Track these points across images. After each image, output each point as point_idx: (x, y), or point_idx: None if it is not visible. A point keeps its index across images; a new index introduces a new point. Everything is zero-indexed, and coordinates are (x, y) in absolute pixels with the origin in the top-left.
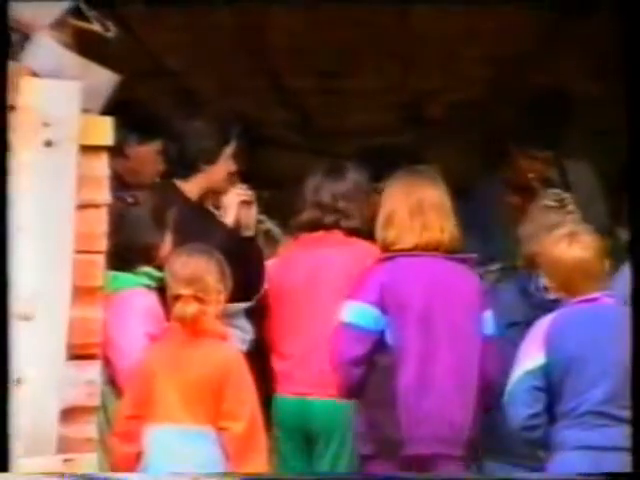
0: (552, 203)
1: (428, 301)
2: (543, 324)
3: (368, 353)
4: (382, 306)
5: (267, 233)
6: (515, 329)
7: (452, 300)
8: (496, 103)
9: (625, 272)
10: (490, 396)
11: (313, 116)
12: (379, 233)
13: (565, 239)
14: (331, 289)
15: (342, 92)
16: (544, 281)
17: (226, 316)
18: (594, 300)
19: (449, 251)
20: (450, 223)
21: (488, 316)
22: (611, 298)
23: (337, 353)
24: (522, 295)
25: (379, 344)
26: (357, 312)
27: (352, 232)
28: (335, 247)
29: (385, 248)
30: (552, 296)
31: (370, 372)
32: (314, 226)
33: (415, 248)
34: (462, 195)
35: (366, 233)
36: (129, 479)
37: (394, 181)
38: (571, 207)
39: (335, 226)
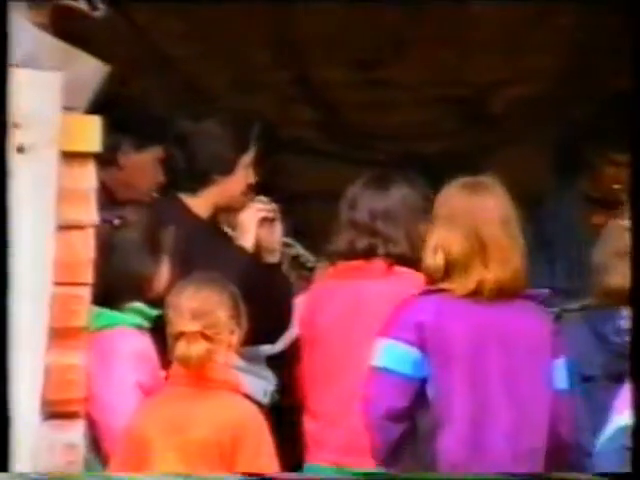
0: (627, 223)
1: (481, 347)
2: None
3: (409, 406)
4: (422, 349)
5: (295, 259)
6: (590, 385)
7: (512, 346)
8: (572, 97)
9: None
10: (561, 464)
11: (347, 115)
12: (426, 260)
13: None
14: (370, 332)
15: (383, 85)
16: (626, 322)
17: (243, 362)
18: None
19: (511, 291)
20: (516, 255)
21: (560, 365)
22: None
23: (373, 405)
24: (598, 341)
25: (420, 397)
26: (394, 354)
27: (397, 260)
28: (376, 279)
29: (431, 280)
30: None
31: (411, 432)
32: (350, 252)
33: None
34: (531, 213)
35: (415, 261)
36: (129, 479)
37: (446, 197)
38: None
39: (375, 252)
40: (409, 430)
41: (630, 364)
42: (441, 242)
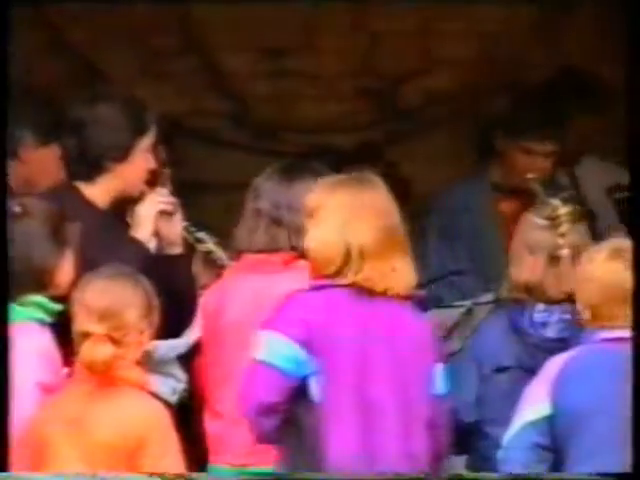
0: (541, 221)
1: (368, 347)
2: (554, 364)
3: (283, 401)
4: (307, 346)
5: (208, 255)
6: (504, 375)
7: (399, 347)
8: (486, 87)
9: None
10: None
11: (254, 105)
12: (312, 255)
13: (606, 253)
14: None
15: (291, 75)
16: (541, 315)
17: (152, 359)
18: (621, 340)
19: (395, 290)
20: (399, 254)
21: (440, 370)
22: None
23: (246, 398)
24: (513, 334)
25: (301, 394)
26: (275, 348)
27: (301, 252)
28: (279, 273)
29: (317, 275)
30: (551, 333)
31: (288, 428)
32: (254, 245)
33: (354, 284)
34: (440, 204)
35: None
36: (129, 478)
37: (329, 191)
38: (565, 228)
39: (280, 244)
40: (284, 426)
41: (631, 364)
42: (326, 237)
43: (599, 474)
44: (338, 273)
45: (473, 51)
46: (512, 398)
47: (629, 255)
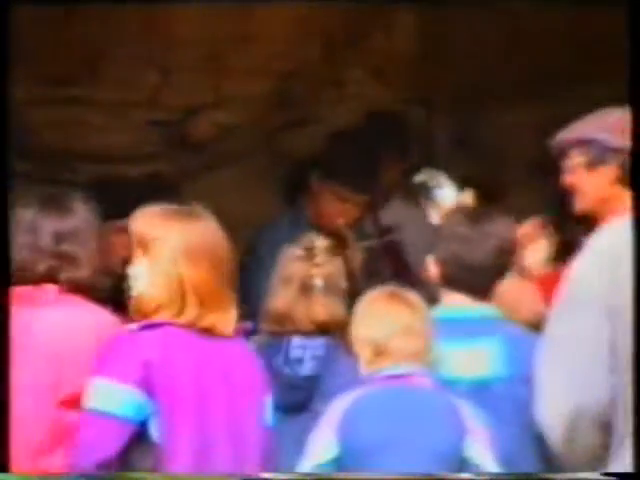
0: (297, 252)
1: (206, 385)
2: (339, 405)
3: (124, 450)
4: (146, 388)
5: None
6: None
7: (234, 383)
8: (283, 124)
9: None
10: None
11: (35, 132)
12: (138, 291)
13: (386, 294)
14: (40, 363)
15: (78, 104)
16: (295, 352)
17: None
18: (404, 378)
19: (226, 328)
20: (226, 291)
21: (268, 402)
22: (426, 378)
23: (83, 452)
24: (268, 371)
25: (139, 438)
26: (113, 395)
27: (77, 285)
28: (48, 306)
29: (146, 312)
30: (306, 371)
31: (123, 464)
32: (26, 277)
33: (188, 322)
34: (253, 239)
35: (96, 287)
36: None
37: (148, 223)
38: (320, 259)
39: (56, 276)
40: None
41: (633, 364)
42: (157, 273)
43: (600, 474)
44: (170, 310)
45: (265, 87)
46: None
47: (406, 297)
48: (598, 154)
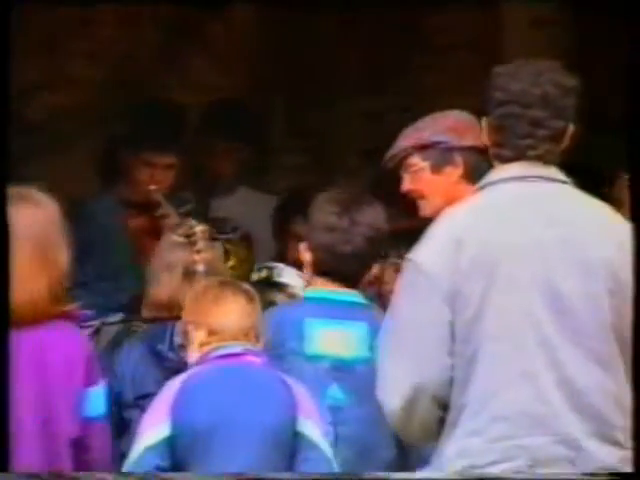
0: (178, 239)
1: (18, 376)
2: (171, 388)
3: None
4: None
5: None
6: (147, 401)
7: (49, 373)
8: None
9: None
10: None
11: None
12: None
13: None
14: None
15: None
16: (180, 338)
17: None
18: (236, 357)
19: (40, 313)
20: (47, 274)
21: (96, 392)
22: (258, 357)
23: None
24: (153, 357)
25: None
26: None
27: None
28: None
29: None
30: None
31: None
32: None
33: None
34: (74, 221)
35: None
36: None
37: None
38: (201, 245)
39: None
40: None
41: (631, 363)
42: None
43: (599, 474)
44: None
45: (100, 71)
46: None
47: (237, 284)
48: (442, 156)
